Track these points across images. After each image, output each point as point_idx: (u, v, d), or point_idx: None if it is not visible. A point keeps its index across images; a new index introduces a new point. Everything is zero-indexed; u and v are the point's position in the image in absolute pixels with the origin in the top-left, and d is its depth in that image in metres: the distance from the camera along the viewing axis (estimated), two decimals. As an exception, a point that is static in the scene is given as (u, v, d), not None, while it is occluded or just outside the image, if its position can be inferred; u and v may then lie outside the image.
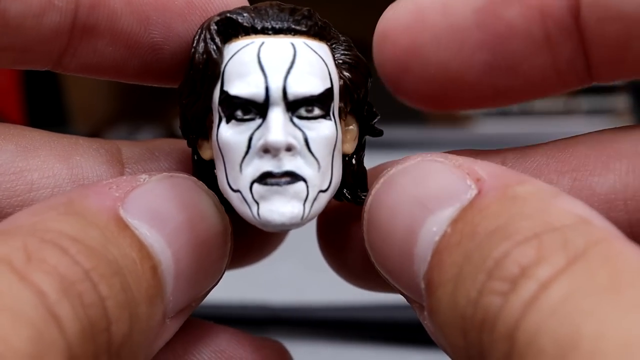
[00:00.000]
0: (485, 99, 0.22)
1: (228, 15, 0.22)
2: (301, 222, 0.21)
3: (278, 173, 0.20)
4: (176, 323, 0.22)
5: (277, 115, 0.20)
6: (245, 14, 0.21)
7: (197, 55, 0.21)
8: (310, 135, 0.21)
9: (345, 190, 0.23)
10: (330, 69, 0.21)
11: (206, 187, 0.23)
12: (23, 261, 0.17)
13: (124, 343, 0.19)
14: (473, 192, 0.19)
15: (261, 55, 0.21)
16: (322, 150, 0.21)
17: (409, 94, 0.23)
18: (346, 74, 0.22)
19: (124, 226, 0.20)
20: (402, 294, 0.21)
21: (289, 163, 0.20)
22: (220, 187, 0.22)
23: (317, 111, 0.21)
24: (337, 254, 0.26)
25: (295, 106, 0.21)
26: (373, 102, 0.24)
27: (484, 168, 0.19)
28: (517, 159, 0.23)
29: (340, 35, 0.22)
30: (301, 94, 0.20)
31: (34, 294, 0.16)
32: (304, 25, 0.21)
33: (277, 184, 0.20)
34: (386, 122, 0.25)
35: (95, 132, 0.67)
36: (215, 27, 0.21)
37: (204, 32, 0.22)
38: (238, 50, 0.21)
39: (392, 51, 0.22)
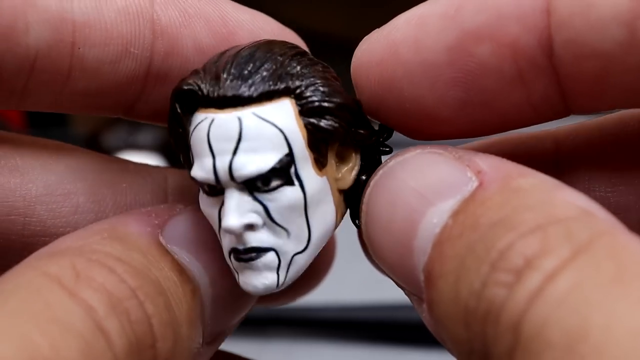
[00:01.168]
0: (462, 131, 0.22)
1: (184, 87, 0.21)
2: (279, 288, 0.21)
3: (242, 249, 0.21)
4: (210, 350, 0.22)
5: (230, 196, 0.20)
6: (201, 82, 0.21)
7: (169, 123, 0.22)
8: (271, 206, 0.20)
9: (357, 221, 0.23)
10: (286, 132, 0.20)
11: None
12: (72, 279, 0.18)
13: None
14: (474, 184, 0.19)
15: (210, 136, 0.20)
16: (288, 217, 0.21)
17: (389, 124, 0.23)
18: (313, 121, 0.21)
19: (164, 251, 0.21)
20: (400, 286, 0.21)
21: (252, 238, 0.20)
22: None
23: (274, 182, 0.20)
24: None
25: (250, 183, 0.20)
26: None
27: (484, 160, 0.19)
28: (568, 136, 0.24)
29: (315, 79, 0.21)
30: (247, 175, 0.20)
31: (83, 309, 0.17)
32: (255, 92, 0.20)
33: (245, 260, 0.21)
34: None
35: (94, 133, 0.67)
36: (178, 103, 0.21)
37: (171, 102, 0.22)
38: (195, 127, 0.21)
39: (367, 85, 0.22)
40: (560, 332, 0.15)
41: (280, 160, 0.20)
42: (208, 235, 0.22)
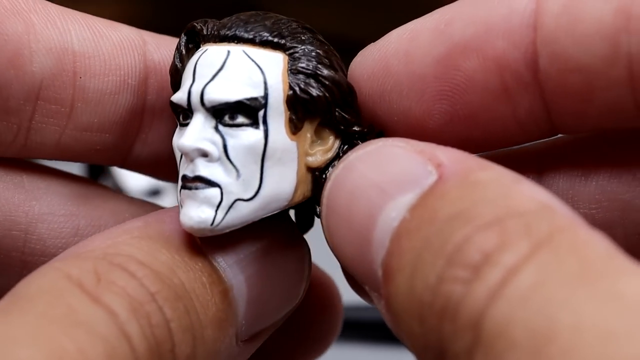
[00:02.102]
0: (449, 145, 0.23)
1: (194, 23, 0.22)
2: (213, 228, 0.20)
3: (190, 177, 0.21)
4: (251, 346, 0.22)
5: (196, 121, 0.21)
6: (210, 24, 0.22)
7: (171, 64, 0.23)
8: (230, 142, 0.21)
9: (317, 206, 0.23)
10: (268, 78, 0.21)
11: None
12: (93, 283, 0.18)
13: None
14: (433, 177, 0.18)
15: (198, 62, 0.21)
16: (243, 158, 0.21)
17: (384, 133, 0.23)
18: (298, 83, 0.21)
19: (197, 251, 0.21)
20: (360, 285, 0.20)
21: (204, 169, 0.21)
22: None
23: (240, 119, 0.21)
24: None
25: (219, 113, 0.21)
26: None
27: (445, 153, 0.19)
28: (550, 150, 0.24)
29: (308, 47, 0.22)
30: (216, 100, 0.20)
31: (106, 312, 0.18)
32: (252, 34, 0.21)
33: (189, 188, 0.21)
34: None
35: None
36: (185, 38, 0.22)
37: (179, 39, 0.23)
38: (191, 58, 0.22)
39: (360, 97, 0.23)
40: (525, 332, 0.14)
41: (253, 99, 0.21)
42: (248, 234, 0.22)
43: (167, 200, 0.58)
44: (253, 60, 0.21)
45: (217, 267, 0.21)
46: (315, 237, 0.26)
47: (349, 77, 0.23)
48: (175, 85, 0.22)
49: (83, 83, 0.23)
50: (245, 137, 0.21)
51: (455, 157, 0.19)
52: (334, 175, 0.21)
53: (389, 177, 0.19)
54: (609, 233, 0.18)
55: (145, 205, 0.26)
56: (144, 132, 0.24)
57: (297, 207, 0.23)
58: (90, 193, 0.25)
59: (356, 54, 0.23)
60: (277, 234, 0.23)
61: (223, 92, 0.20)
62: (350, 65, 0.23)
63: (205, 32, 0.22)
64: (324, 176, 0.22)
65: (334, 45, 0.23)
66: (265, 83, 0.21)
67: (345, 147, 0.23)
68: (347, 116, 0.22)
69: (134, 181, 0.57)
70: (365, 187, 0.19)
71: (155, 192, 0.58)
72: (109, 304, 0.18)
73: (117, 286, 0.18)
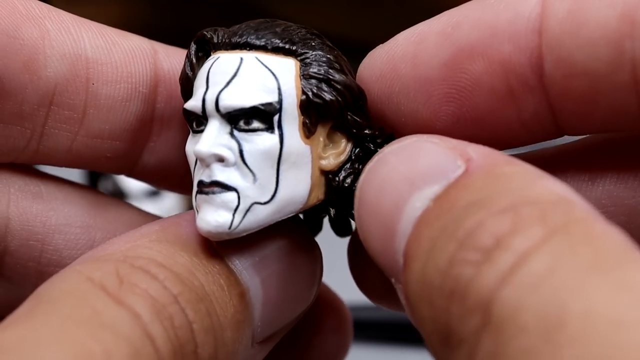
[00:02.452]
0: None
1: (204, 32, 0.23)
2: (230, 232, 0.21)
3: (207, 182, 0.21)
4: (266, 348, 0.23)
5: (211, 127, 0.21)
6: (220, 32, 0.22)
7: (181, 72, 0.23)
8: (246, 147, 0.21)
9: (330, 208, 0.24)
10: (282, 83, 0.21)
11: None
12: (116, 285, 0.18)
13: None
14: (461, 170, 0.19)
15: (210, 70, 0.22)
16: (259, 163, 0.21)
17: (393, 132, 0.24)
18: (311, 88, 0.22)
19: (213, 253, 0.21)
20: (389, 279, 0.21)
21: (220, 174, 0.21)
22: None
23: (256, 124, 0.21)
24: (368, 279, 0.27)
25: (234, 119, 0.21)
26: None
27: (475, 149, 0.19)
28: (556, 154, 0.24)
29: (319, 53, 0.22)
30: (231, 106, 0.21)
31: (129, 315, 0.18)
32: (263, 41, 0.22)
33: (206, 193, 0.21)
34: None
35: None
36: (194, 46, 0.23)
37: (189, 48, 0.23)
38: (203, 66, 0.22)
39: (369, 98, 0.23)
40: (536, 318, 0.14)
41: (268, 104, 0.21)
42: (263, 237, 0.22)
43: (167, 201, 0.58)
44: (266, 67, 0.22)
45: (234, 269, 0.21)
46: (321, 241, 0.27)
47: (358, 79, 0.23)
48: (186, 93, 0.23)
49: (95, 89, 0.23)
50: (261, 142, 0.21)
51: (484, 152, 0.19)
52: (368, 167, 0.21)
53: (418, 170, 0.19)
54: None
55: (159, 219, 0.27)
56: (152, 141, 0.25)
57: (306, 210, 0.23)
58: (106, 205, 0.25)
59: (357, 55, 0.24)
60: (290, 236, 0.23)
61: (238, 98, 0.21)
62: (359, 67, 0.23)
63: (215, 40, 0.22)
64: (337, 179, 0.23)
65: (336, 46, 0.23)
66: (279, 88, 0.21)
67: (357, 149, 0.23)
68: (358, 119, 0.23)
69: (134, 181, 0.57)
70: (395, 179, 0.20)
71: (154, 193, 0.58)
72: (132, 306, 0.18)
73: (140, 288, 0.18)
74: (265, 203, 0.21)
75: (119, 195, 0.57)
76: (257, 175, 0.21)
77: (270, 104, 0.21)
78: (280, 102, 0.21)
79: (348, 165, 0.23)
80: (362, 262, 0.27)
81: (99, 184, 0.59)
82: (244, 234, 0.21)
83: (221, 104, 0.21)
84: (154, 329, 0.18)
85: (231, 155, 0.21)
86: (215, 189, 0.21)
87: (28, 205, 0.24)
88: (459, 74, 0.21)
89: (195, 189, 0.21)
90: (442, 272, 0.17)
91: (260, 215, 0.21)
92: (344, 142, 0.23)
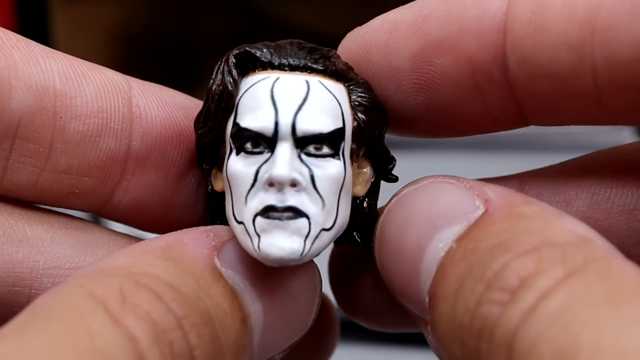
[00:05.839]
0: (428, 131, 0.24)
1: (247, 49, 0.22)
2: (300, 259, 0.21)
3: (280, 207, 0.21)
4: None
5: (284, 150, 0.21)
6: (264, 49, 0.22)
7: (214, 87, 0.22)
8: (317, 173, 0.21)
9: (355, 234, 0.24)
10: (343, 110, 0.22)
11: None
12: (118, 304, 0.18)
13: None
14: (481, 211, 0.19)
15: (274, 90, 0.21)
16: (328, 189, 0.21)
17: None
18: (361, 115, 0.22)
19: (218, 276, 0.21)
20: (410, 312, 0.21)
21: (293, 198, 0.21)
22: (227, 218, 0.22)
23: (325, 149, 0.21)
24: (348, 297, 0.27)
25: (304, 143, 0.21)
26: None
27: (492, 190, 0.20)
28: (533, 179, 0.25)
29: (359, 78, 0.23)
30: (310, 131, 0.21)
31: (127, 339, 0.17)
32: (320, 65, 0.22)
33: (279, 219, 0.21)
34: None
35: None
36: (234, 60, 0.22)
37: (222, 64, 0.22)
38: (253, 84, 0.22)
39: None
40: (551, 349, 0.15)
41: (340, 130, 0.21)
42: (261, 263, 0.22)
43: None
44: (330, 92, 0.22)
45: (237, 293, 0.21)
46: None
47: None
48: (226, 109, 0.22)
49: (63, 123, 0.22)
50: (330, 168, 0.21)
51: (502, 193, 0.20)
52: (387, 208, 0.22)
53: (439, 211, 0.20)
54: None
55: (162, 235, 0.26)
56: (125, 180, 0.24)
57: None
58: (95, 240, 0.24)
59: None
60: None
61: (316, 123, 0.21)
62: (338, 49, 0.24)
63: (264, 59, 0.22)
64: (364, 206, 0.23)
65: (331, 46, 0.24)
66: (342, 115, 0.22)
67: (377, 176, 0.24)
68: (387, 148, 0.24)
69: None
70: (416, 219, 0.20)
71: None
72: (131, 329, 0.17)
73: (142, 310, 0.18)
74: (329, 229, 0.21)
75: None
76: (326, 201, 0.21)
77: (341, 129, 0.21)
78: (343, 128, 0.22)
79: (371, 193, 0.23)
80: (345, 287, 0.27)
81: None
82: (306, 260, 0.21)
83: (299, 127, 0.21)
84: (150, 356, 0.17)
85: (303, 180, 0.21)
86: (290, 214, 0.21)
87: (13, 251, 0.23)
88: (427, 67, 0.22)
89: (254, 212, 0.21)
90: (471, 311, 0.18)
91: (325, 242, 0.21)
92: (368, 169, 0.23)
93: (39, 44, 0.23)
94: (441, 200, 0.20)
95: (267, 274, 0.22)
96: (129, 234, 0.26)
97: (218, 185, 0.23)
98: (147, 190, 0.24)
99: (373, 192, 0.24)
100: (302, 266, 0.22)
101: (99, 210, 0.25)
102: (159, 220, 0.25)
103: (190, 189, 0.25)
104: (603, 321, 0.15)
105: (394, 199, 0.22)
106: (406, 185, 0.22)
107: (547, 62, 0.20)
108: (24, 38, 0.23)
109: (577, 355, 0.15)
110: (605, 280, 0.16)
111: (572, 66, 0.20)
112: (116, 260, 0.20)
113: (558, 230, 0.18)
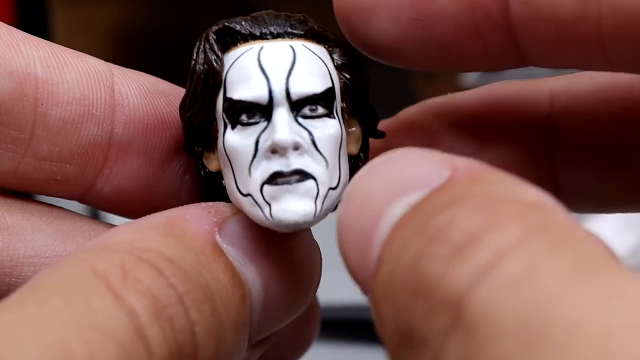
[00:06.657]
0: (425, 66, 0.24)
1: (226, 24, 0.22)
2: (314, 220, 0.21)
3: (287, 172, 0.21)
4: (257, 351, 0.23)
5: (282, 115, 0.21)
6: (243, 22, 0.22)
7: (197, 67, 0.22)
8: (316, 133, 0.21)
9: None
10: (330, 69, 0.22)
11: None
12: (119, 279, 0.18)
13: None
14: (444, 178, 0.18)
15: (261, 59, 0.22)
16: (329, 148, 0.21)
17: (360, 46, 0.24)
18: (346, 74, 0.23)
19: (219, 252, 0.21)
20: (364, 292, 0.20)
21: (297, 161, 0.21)
22: (229, 196, 0.22)
23: (320, 110, 0.21)
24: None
25: (299, 106, 0.21)
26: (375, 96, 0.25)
27: (463, 161, 0.19)
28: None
29: (337, 39, 0.23)
30: (304, 93, 0.21)
31: (126, 314, 0.17)
32: (300, 29, 0.22)
33: (288, 183, 0.21)
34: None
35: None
36: (214, 37, 0.22)
37: (202, 43, 0.22)
38: (239, 57, 0.22)
39: (341, 9, 0.23)
40: (514, 323, 0.14)
41: (331, 89, 0.22)
42: (268, 237, 0.22)
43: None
44: (315, 54, 0.22)
45: (237, 270, 0.21)
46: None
47: None
48: (214, 86, 0.22)
49: (45, 110, 0.22)
50: (328, 128, 0.21)
51: (470, 163, 0.19)
52: (354, 178, 0.20)
53: (402, 179, 0.19)
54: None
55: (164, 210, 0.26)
56: (107, 167, 0.24)
57: None
58: (76, 229, 0.24)
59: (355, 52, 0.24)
60: (292, 239, 0.23)
61: (309, 84, 0.21)
62: None
63: (245, 32, 0.22)
64: (359, 164, 0.23)
65: None
66: (330, 75, 0.22)
67: (365, 134, 0.24)
68: (371, 104, 0.24)
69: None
70: (378, 189, 0.19)
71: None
72: (131, 305, 0.17)
73: (143, 285, 0.18)
74: (335, 188, 0.21)
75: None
76: (329, 160, 0.21)
77: (332, 88, 0.22)
78: (333, 87, 0.22)
79: (363, 150, 0.24)
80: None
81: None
82: (318, 222, 0.21)
83: (292, 90, 0.21)
84: (151, 331, 0.17)
85: (304, 142, 0.21)
86: (298, 177, 0.21)
87: None
88: (427, 2, 0.22)
89: (260, 181, 0.21)
90: (408, 268, 0.16)
91: (333, 200, 0.21)
92: (357, 127, 0.24)
93: (20, 31, 0.23)
94: (408, 169, 0.19)
95: (268, 251, 0.22)
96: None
97: (212, 166, 0.23)
98: (130, 177, 0.24)
99: (365, 149, 0.24)
100: (303, 243, 0.23)
101: (81, 197, 0.24)
102: (142, 207, 0.24)
103: (174, 175, 0.25)
104: (577, 294, 0.14)
105: (364, 168, 0.20)
106: (381, 155, 0.21)
107: (551, 6, 0.20)
108: (4, 24, 0.23)
109: (550, 332, 0.13)
110: (570, 246, 0.15)
111: (577, 12, 0.19)
112: (118, 236, 0.20)
113: (517, 192, 0.17)
